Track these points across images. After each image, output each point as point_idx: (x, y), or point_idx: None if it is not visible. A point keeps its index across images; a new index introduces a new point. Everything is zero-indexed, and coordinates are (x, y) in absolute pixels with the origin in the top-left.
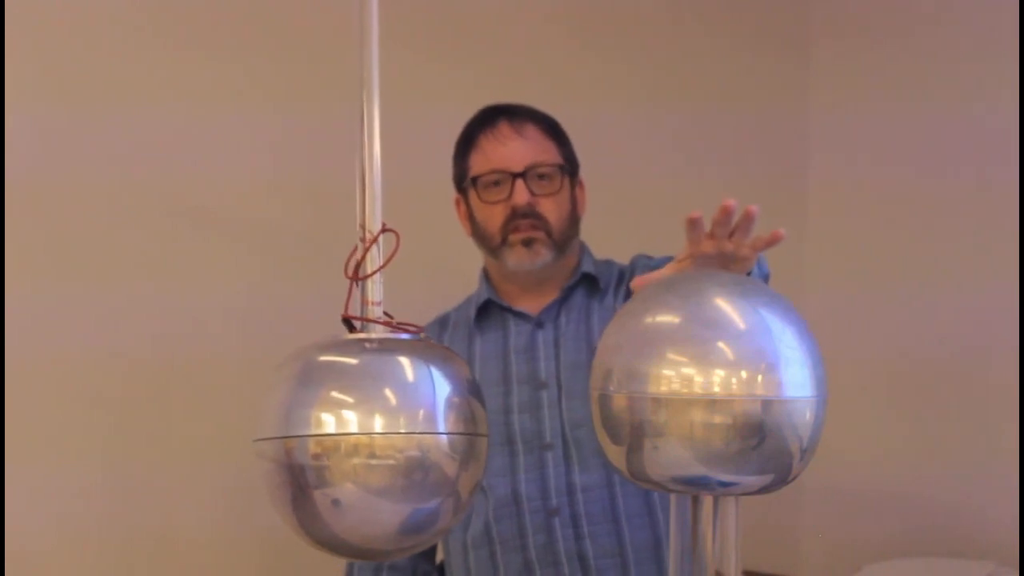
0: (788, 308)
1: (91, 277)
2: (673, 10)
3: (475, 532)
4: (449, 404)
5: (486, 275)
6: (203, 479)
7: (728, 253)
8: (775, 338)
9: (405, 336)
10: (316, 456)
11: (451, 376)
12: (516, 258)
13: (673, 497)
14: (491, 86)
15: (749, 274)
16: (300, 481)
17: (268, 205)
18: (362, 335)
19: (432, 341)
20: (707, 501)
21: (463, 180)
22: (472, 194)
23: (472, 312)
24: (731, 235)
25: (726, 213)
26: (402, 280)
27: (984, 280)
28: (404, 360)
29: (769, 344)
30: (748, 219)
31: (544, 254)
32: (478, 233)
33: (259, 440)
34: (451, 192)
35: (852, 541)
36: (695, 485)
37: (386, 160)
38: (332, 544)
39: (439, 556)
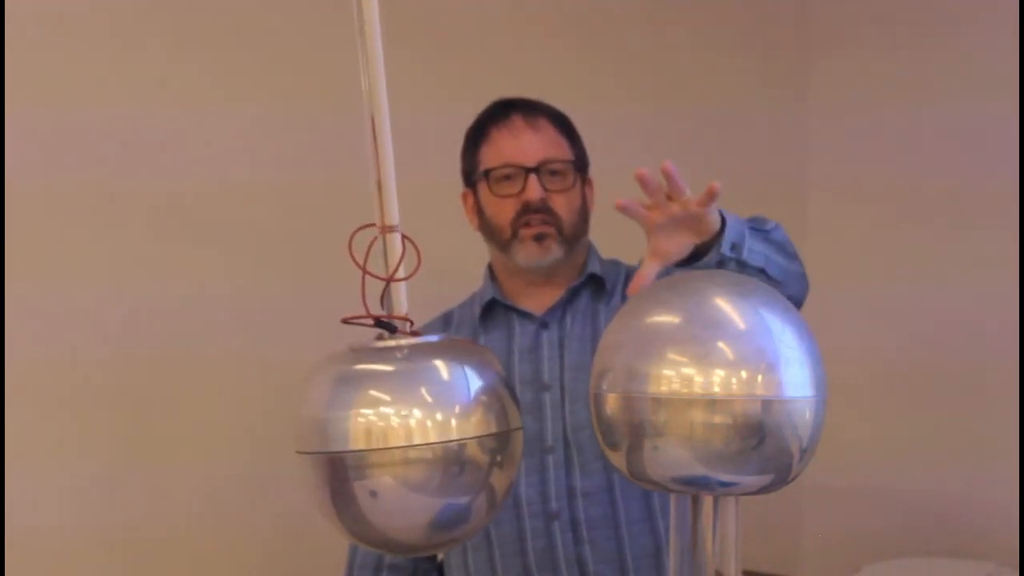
0: (788, 308)
1: (91, 277)
2: (674, 10)
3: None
4: (481, 403)
5: (491, 272)
6: (203, 478)
7: (678, 215)
8: (775, 338)
9: (434, 338)
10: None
11: (484, 374)
12: (526, 253)
13: (673, 497)
14: (490, 86)
15: (766, 232)
16: (340, 476)
17: (268, 205)
18: (392, 342)
19: (465, 340)
20: (707, 501)
21: (473, 173)
22: (483, 187)
23: (477, 311)
24: (669, 198)
25: (662, 177)
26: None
27: (984, 280)
28: (439, 363)
29: (769, 344)
30: (669, 178)
31: (555, 250)
32: (486, 227)
33: (302, 453)
34: (450, 190)
35: (852, 541)
36: (695, 485)
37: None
38: (368, 537)
39: (440, 555)
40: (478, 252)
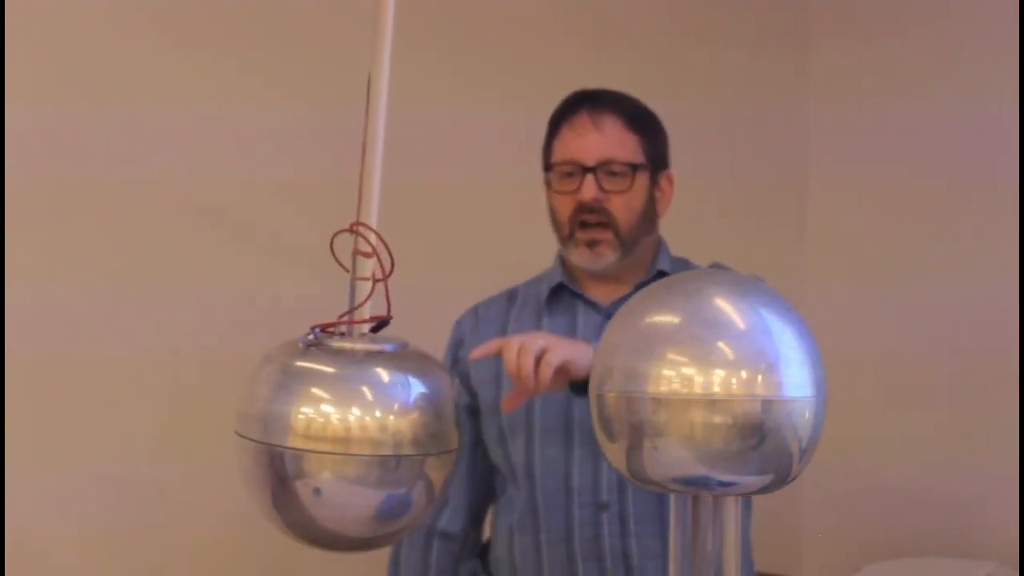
0: (788, 308)
1: (92, 277)
2: (673, 9)
3: (521, 517)
4: (422, 417)
5: (561, 258)
6: (206, 478)
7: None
8: (775, 338)
9: (389, 347)
10: (297, 450)
11: (427, 388)
12: (579, 256)
13: (673, 497)
14: (490, 85)
15: None
16: (280, 472)
17: (271, 204)
18: (347, 344)
19: (421, 352)
20: (707, 501)
21: (546, 165)
22: (548, 181)
23: (544, 292)
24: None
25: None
26: (401, 279)
27: (984, 280)
28: (382, 370)
29: (769, 344)
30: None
31: (608, 255)
32: (551, 219)
33: (242, 436)
34: (451, 191)
35: (852, 541)
36: (695, 485)
37: (389, 159)
38: (309, 533)
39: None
40: (477, 252)
